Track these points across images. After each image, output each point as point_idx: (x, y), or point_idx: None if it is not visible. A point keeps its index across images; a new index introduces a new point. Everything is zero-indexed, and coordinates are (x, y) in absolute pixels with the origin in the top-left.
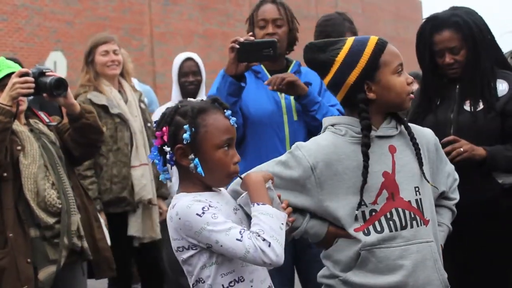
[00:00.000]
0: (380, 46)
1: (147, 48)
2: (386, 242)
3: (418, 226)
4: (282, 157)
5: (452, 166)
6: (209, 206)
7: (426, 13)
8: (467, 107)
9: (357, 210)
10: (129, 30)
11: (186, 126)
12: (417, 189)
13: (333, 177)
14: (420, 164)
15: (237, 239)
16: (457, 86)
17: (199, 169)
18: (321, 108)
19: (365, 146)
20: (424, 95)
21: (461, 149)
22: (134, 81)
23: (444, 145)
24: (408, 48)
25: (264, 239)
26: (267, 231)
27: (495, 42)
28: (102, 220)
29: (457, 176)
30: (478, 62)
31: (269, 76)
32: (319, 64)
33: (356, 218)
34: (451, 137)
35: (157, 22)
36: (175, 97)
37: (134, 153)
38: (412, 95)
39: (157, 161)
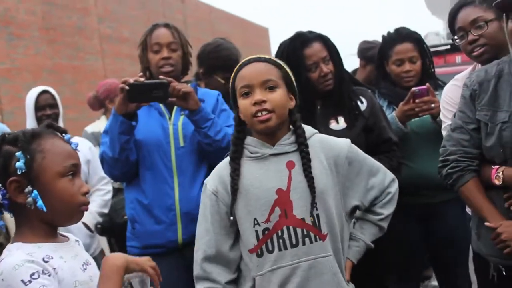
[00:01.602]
0: (235, 72)
1: None
2: (277, 263)
3: (311, 242)
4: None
5: (382, 179)
6: (42, 272)
7: (273, 40)
8: (332, 125)
9: (253, 227)
10: None
11: (18, 154)
12: (314, 204)
13: (240, 199)
14: (310, 179)
15: None
16: (318, 107)
17: (39, 202)
18: (214, 126)
19: (233, 170)
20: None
21: None
22: None
23: None
24: None
25: None
26: None
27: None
28: None
29: (392, 189)
30: (342, 76)
31: (161, 104)
32: None
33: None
34: None
35: (2, 58)
36: None
37: None
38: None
39: None
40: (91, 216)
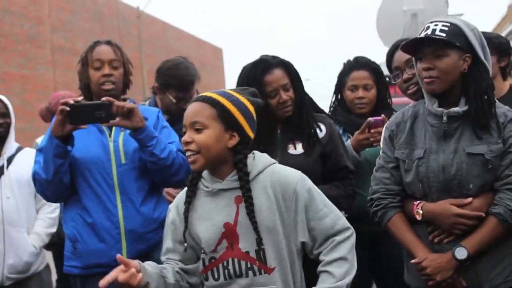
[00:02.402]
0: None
1: None
2: None
3: (255, 275)
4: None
5: (330, 225)
6: None
7: (227, 60)
8: (290, 151)
9: (201, 256)
10: None
11: None
12: (258, 240)
13: (191, 230)
14: (253, 222)
15: None
16: (278, 131)
17: None
18: (159, 143)
19: (187, 199)
20: (259, 140)
21: None
22: None
23: None
24: None
25: None
26: None
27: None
28: None
29: (339, 237)
30: (302, 102)
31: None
32: None
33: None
34: None
35: None
36: None
37: None
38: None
39: None
40: (38, 238)
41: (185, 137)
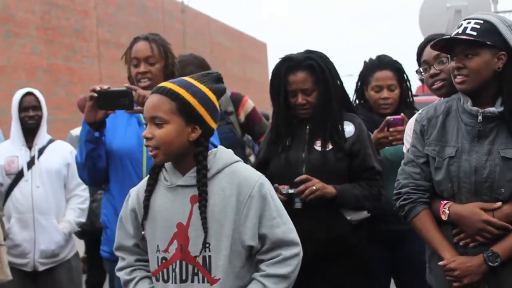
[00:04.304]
0: None
1: None
2: None
3: (199, 283)
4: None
5: (280, 236)
6: None
7: (271, 55)
8: (317, 147)
9: (156, 253)
10: None
11: None
12: (207, 245)
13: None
14: (203, 218)
15: None
16: (307, 127)
17: None
18: None
19: (147, 188)
20: (276, 134)
21: (314, 188)
22: None
23: (297, 184)
24: (254, 87)
25: None
26: None
27: (343, 86)
28: None
29: (286, 252)
30: (328, 104)
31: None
32: None
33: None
34: (303, 176)
35: None
36: (15, 133)
37: None
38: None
39: None
40: (69, 226)
41: (145, 132)
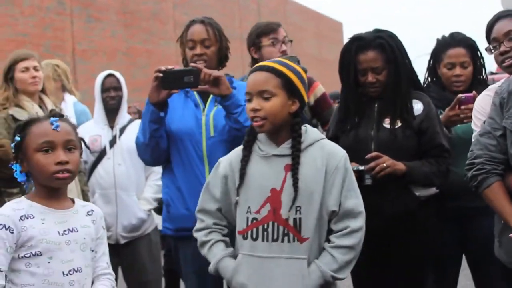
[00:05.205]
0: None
1: (69, 65)
2: (258, 251)
3: (289, 242)
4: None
5: (352, 206)
6: (5, 226)
7: (346, 34)
8: (386, 124)
9: (246, 214)
10: (50, 47)
11: (16, 137)
12: (298, 208)
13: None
14: (295, 179)
15: None
16: (376, 105)
17: (17, 173)
18: (244, 112)
19: (243, 157)
20: (345, 112)
21: (384, 165)
22: (71, 99)
23: (368, 161)
24: (329, 68)
25: None
26: None
27: (411, 65)
28: None
29: (353, 224)
30: (397, 82)
31: (196, 95)
32: None
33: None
34: (374, 153)
35: (79, 39)
36: (98, 113)
37: None
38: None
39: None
40: (147, 202)
41: (254, 105)
